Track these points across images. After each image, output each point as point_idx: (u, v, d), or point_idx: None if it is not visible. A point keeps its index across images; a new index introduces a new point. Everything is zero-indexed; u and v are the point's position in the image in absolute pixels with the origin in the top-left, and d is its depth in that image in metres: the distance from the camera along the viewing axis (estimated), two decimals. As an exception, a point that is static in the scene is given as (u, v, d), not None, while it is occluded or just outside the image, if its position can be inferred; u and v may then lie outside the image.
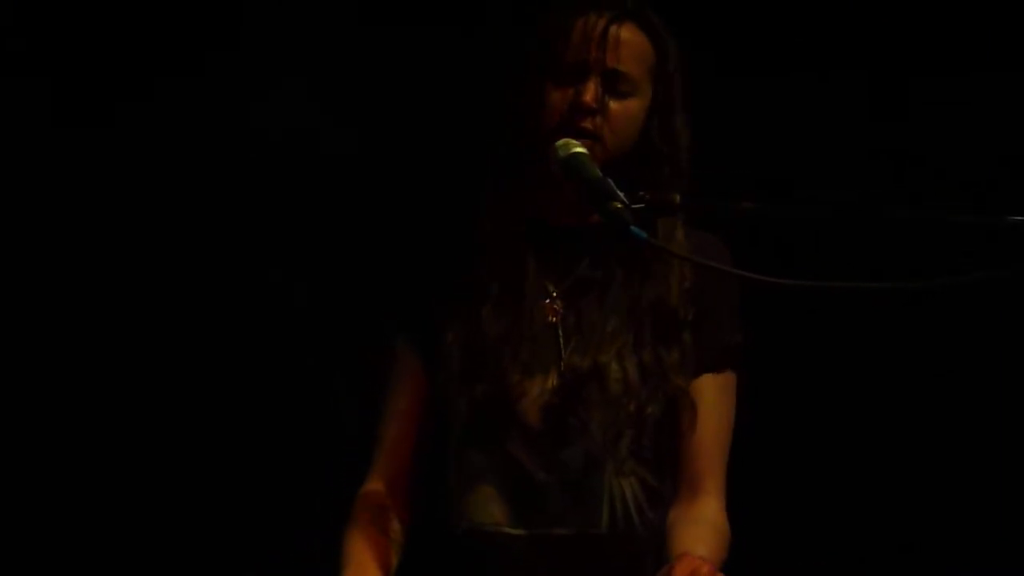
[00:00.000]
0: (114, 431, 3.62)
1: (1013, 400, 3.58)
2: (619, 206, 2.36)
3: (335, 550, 2.64)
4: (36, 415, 3.60)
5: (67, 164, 3.63)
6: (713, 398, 2.68)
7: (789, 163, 3.53)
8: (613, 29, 2.59)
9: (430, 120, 3.54)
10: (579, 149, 2.50)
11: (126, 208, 3.63)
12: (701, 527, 2.62)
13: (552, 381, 2.63)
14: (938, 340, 3.58)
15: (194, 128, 3.63)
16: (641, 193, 2.43)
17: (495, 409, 2.62)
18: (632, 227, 2.33)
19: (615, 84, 2.59)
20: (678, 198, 2.46)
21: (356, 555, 2.61)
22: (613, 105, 2.59)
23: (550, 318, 2.66)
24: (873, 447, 3.61)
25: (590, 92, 2.57)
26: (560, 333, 2.65)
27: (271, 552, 3.52)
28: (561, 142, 2.51)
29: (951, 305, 3.45)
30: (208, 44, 3.64)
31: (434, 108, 3.54)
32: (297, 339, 3.62)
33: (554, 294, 2.67)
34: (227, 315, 3.63)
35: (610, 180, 2.42)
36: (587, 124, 2.57)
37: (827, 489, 3.60)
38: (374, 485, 2.71)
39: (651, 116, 2.63)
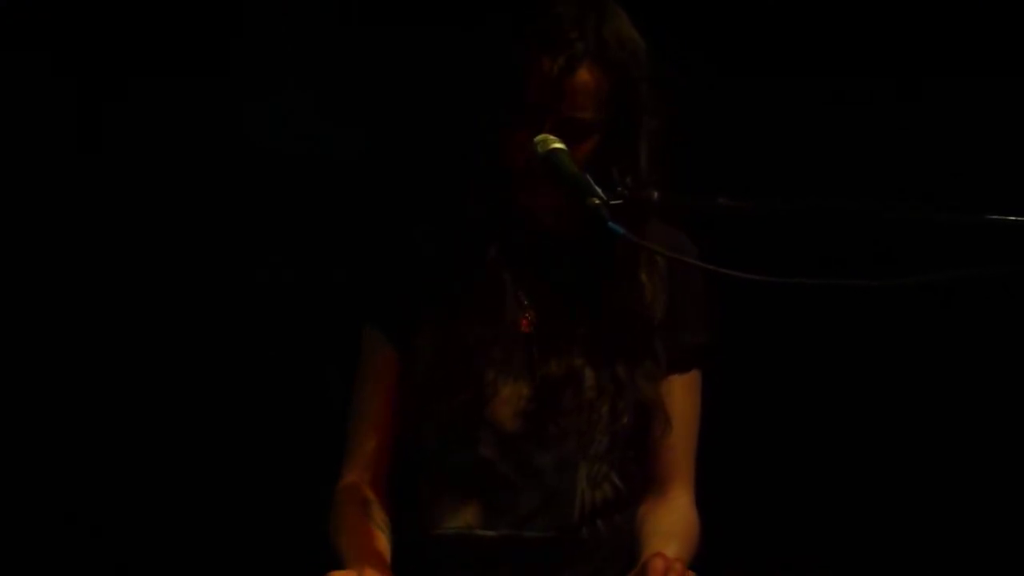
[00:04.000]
0: (109, 427, 3.63)
1: (994, 395, 3.60)
2: (597, 202, 2.37)
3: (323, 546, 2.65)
4: (31, 411, 3.61)
5: (66, 165, 3.64)
6: (681, 398, 2.72)
7: (776, 166, 3.54)
8: (567, 78, 2.55)
9: (414, 121, 3.55)
10: (557, 145, 2.50)
11: (122, 204, 3.64)
12: (670, 526, 2.66)
13: (525, 388, 2.66)
14: (918, 337, 3.60)
15: (189, 126, 3.64)
16: (619, 189, 2.46)
17: (469, 414, 2.64)
18: (610, 223, 2.35)
19: (572, 129, 2.56)
20: (656, 195, 2.48)
21: (355, 545, 2.61)
22: (572, 148, 2.54)
23: (524, 327, 2.68)
24: (849, 442, 3.63)
25: None
26: (533, 342, 2.67)
27: (266, 548, 3.52)
28: (540, 138, 2.52)
29: (931, 302, 3.46)
30: (206, 44, 3.64)
31: (421, 109, 3.55)
32: (289, 333, 3.63)
33: (527, 303, 2.69)
34: (221, 307, 3.64)
35: (588, 176, 2.44)
36: None
37: (804, 485, 3.62)
38: (353, 477, 2.72)
39: (611, 139, 2.61)
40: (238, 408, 3.63)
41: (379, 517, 2.69)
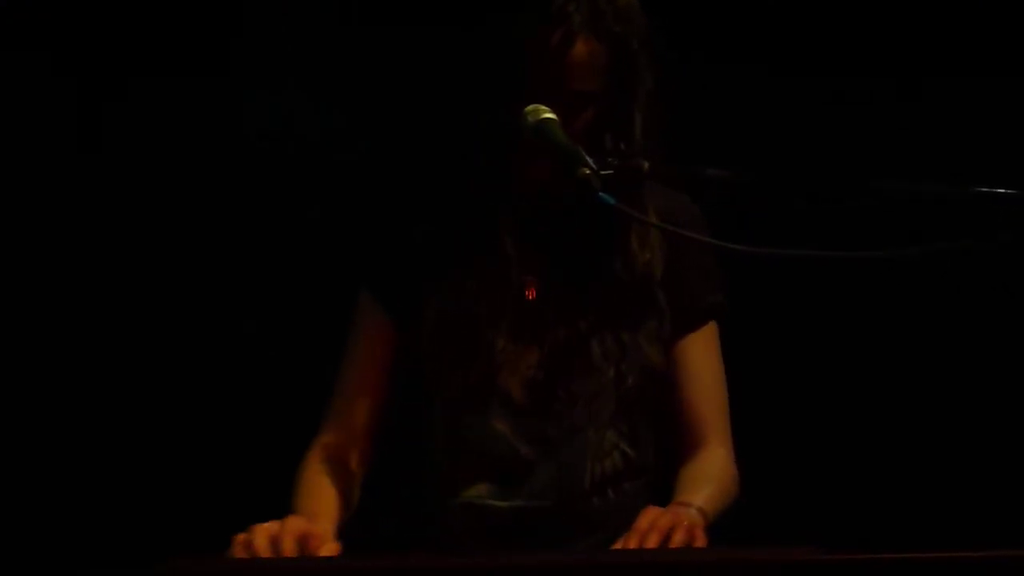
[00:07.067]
0: (110, 425, 3.63)
1: (989, 370, 3.60)
2: (587, 172, 2.37)
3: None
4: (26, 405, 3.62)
5: (66, 165, 3.65)
6: (700, 355, 2.73)
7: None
8: (566, 52, 2.55)
9: (414, 119, 3.55)
10: (548, 115, 2.50)
11: (122, 204, 3.65)
12: (703, 471, 2.67)
13: (533, 356, 2.66)
14: (908, 309, 3.60)
15: (189, 125, 3.65)
16: (610, 159, 2.46)
17: (481, 384, 2.65)
18: (600, 193, 2.35)
19: (571, 101, 2.57)
20: (646, 165, 2.48)
21: (306, 505, 2.60)
22: (571, 120, 2.57)
23: (528, 296, 2.68)
24: (851, 416, 3.63)
25: None
26: (539, 309, 2.67)
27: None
28: (530, 108, 2.51)
29: (925, 274, 3.47)
30: (206, 44, 3.65)
31: (421, 106, 3.55)
32: (288, 331, 3.63)
33: (529, 271, 2.68)
34: (221, 306, 3.65)
35: (579, 147, 2.44)
36: None
37: (811, 456, 3.62)
38: (330, 437, 2.72)
39: (608, 108, 2.61)
40: (238, 406, 3.63)
41: (344, 479, 2.68)
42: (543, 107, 2.51)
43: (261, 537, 2.32)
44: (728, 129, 3.53)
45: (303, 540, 2.34)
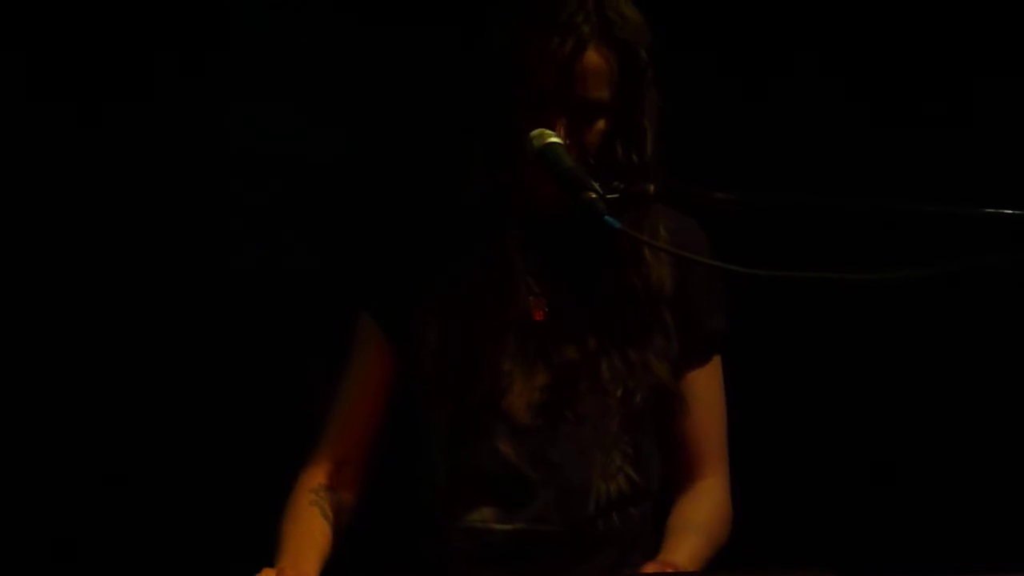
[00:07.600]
0: (103, 423, 3.63)
1: (992, 386, 3.61)
2: (593, 196, 2.37)
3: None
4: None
5: (66, 165, 3.64)
6: (704, 385, 2.74)
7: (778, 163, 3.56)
8: (577, 61, 2.55)
9: (416, 116, 3.55)
10: (553, 139, 2.50)
11: (115, 203, 3.64)
12: (692, 519, 2.68)
13: (540, 377, 2.65)
14: (916, 330, 3.61)
15: (175, 127, 3.64)
16: (615, 183, 2.46)
17: (484, 407, 2.64)
18: (606, 216, 2.35)
19: (584, 111, 2.57)
20: (652, 188, 2.48)
21: (292, 541, 2.60)
22: (584, 130, 2.58)
23: (535, 315, 2.67)
24: (847, 436, 3.64)
25: (560, 129, 2.55)
26: (546, 329, 2.66)
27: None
28: (536, 132, 2.51)
29: (930, 295, 3.48)
30: (191, 46, 3.64)
31: (422, 104, 3.55)
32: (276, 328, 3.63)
33: (537, 291, 2.68)
34: (209, 303, 3.64)
35: (584, 170, 2.44)
36: None
37: (804, 480, 3.63)
38: (321, 464, 2.70)
39: (619, 117, 2.61)
40: (234, 427, 3.61)
41: (333, 508, 2.67)
42: (548, 131, 2.51)
43: None
44: (727, 142, 3.54)
45: None
